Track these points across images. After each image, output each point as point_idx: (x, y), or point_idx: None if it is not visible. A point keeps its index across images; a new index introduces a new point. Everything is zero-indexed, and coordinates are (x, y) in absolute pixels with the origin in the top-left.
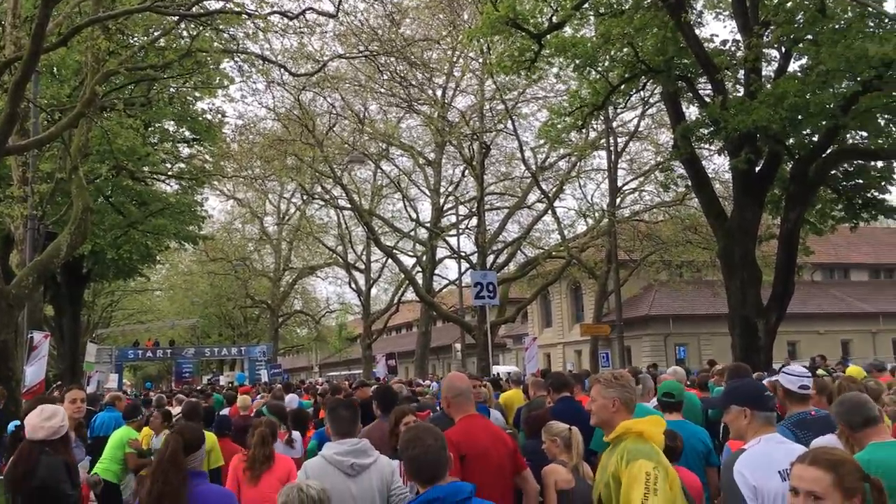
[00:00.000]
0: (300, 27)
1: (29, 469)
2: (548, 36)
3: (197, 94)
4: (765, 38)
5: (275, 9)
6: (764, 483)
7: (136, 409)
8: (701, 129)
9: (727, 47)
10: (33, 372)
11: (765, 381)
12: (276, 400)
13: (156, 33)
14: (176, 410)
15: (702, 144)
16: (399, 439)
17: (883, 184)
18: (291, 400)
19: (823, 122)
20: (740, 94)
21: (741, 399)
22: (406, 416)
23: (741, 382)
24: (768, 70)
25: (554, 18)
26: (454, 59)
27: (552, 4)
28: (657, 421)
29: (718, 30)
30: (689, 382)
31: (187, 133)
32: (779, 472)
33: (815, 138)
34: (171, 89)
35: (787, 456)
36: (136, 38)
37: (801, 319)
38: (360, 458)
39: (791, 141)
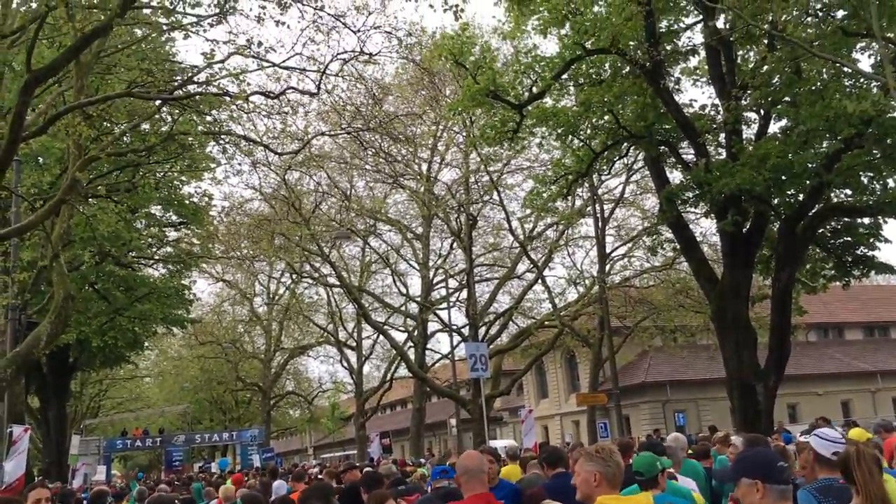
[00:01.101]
0: (282, 107)
1: None
2: (529, 106)
3: (183, 178)
4: (743, 101)
5: (256, 90)
6: None
7: (100, 498)
8: (686, 193)
9: (707, 111)
10: (13, 467)
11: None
12: (260, 487)
13: (138, 119)
14: None
15: (687, 208)
16: None
17: (871, 240)
18: (279, 487)
19: (808, 181)
20: (723, 157)
21: (752, 470)
22: (386, 502)
23: (753, 451)
24: (749, 132)
25: (534, 89)
26: (438, 134)
27: (531, 76)
28: (637, 499)
29: (697, 95)
30: (690, 451)
31: (174, 217)
32: None
33: (801, 197)
34: (158, 174)
35: None
36: (118, 125)
37: (799, 381)
38: None
39: (776, 201)
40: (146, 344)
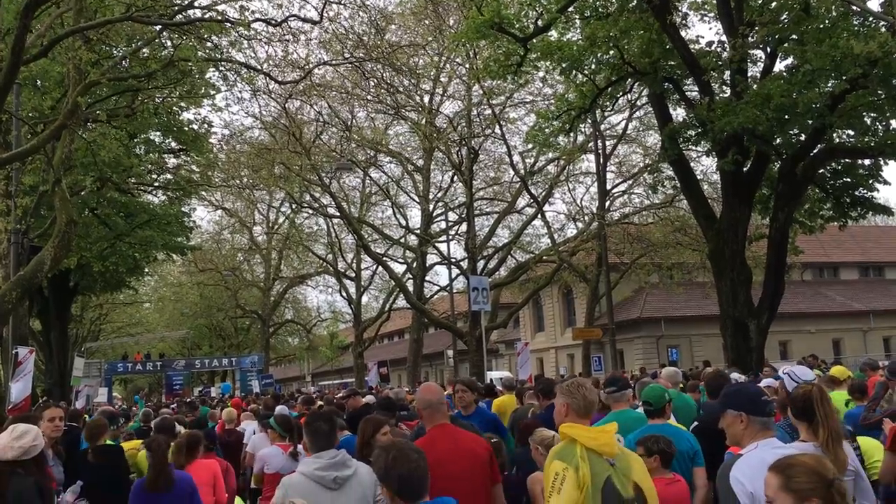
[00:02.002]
0: (284, 35)
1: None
2: (533, 39)
3: (182, 105)
4: (750, 38)
5: (257, 16)
6: (761, 489)
7: (113, 417)
8: (688, 131)
9: (713, 48)
10: (18, 388)
11: (765, 383)
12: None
13: (138, 43)
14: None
15: (689, 146)
16: (376, 454)
17: (871, 182)
18: (282, 411)
19: (810, 122)
20: (727, 95)
21: (737, 404)
22: (383, 428)
23: (738, 387)
24: (754, 70)
25: (539, 22)
26: (441, 65)
27: (537, 8)
28: (599, 429)
29: (704, 31)
30: (682, 385)
31: (173, 143)
32: None
33: (803, 138)
34: (157, 100)
35: None
36: (118, 49)
37: (792, 319)
38: (341, 470)
39: (778, 141)
40: (146, 270)
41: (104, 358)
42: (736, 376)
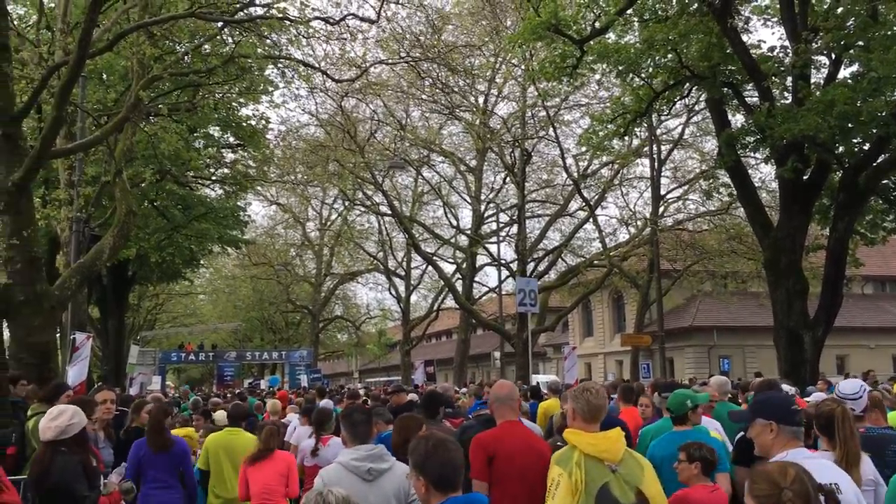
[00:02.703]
0: (342, 33)
1: (44, 470)
2: (590, 42)
3: (241, 101)
4: (814, 44)
5: (317, 15)
6: None
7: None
8: (747, 137)
9: (775, 53)
10: (75, 372)
11: (814, 397)
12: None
13: (200, 39)
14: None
15: (748, 152)
16: (415, 442)
17: None
18: (326, 405)
19: (874, 131)
20: (788, 102)
21: (767, 412)
22: (420, 430)
23: (768, 395)
24: (818, 77)
25: (597, 24)
26: (496, 66)
27: (595, 10)
28: (601, 434)
29: (766, 36)
30: (729, 395)
31: (231, 138)
32: None
33: (866, 147)
34: (217, 95)
35: (816, 471)
36: (181, 45)
37: (852, 333)
38: (377, 463)
39: (840, 149)
40: (201, 262)
41: (159, 347)
42: (787, 388)
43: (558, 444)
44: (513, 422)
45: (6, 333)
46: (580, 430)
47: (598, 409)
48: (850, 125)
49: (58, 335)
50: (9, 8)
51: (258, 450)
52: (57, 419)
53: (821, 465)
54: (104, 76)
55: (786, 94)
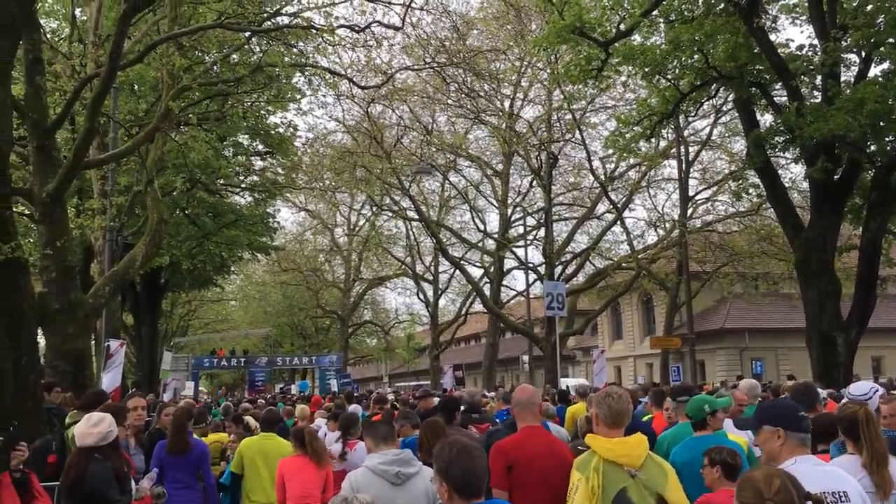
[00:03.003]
0: (367, 40)
1: (79, 475)
2: (615, 44)
3: (269, 109)
4: (843, 42)
5: (342, 23)
6: None
7: (201, 415)
8: (775, 137)
9: (803, 52)
10: (109, 379)
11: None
12: (336, 409)
13: (228, 49)
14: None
15: (777, 152)
16: (439, 448)
17: None
18: (354, 410)
19: None
20: (817, 101)
21: (774, 419)
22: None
23: (774, 402)
24: (848, 75)
25: (622, 26)
26: (522, 70)
27: (619, 12)
28: (621, 440)
29: (794, 34)
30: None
31: (260, 146)
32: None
33: None
34: (246, 104)
35: (825, 478)
36: (209, 55)
37: (887, 334)
38: (404, 467)
39: (872, 148)
40: (232, 268)
41: (191, 353)
42: (818, 391)
43: (579, 448)
44: (534, 427)
45: (42, 341)
46: (603, 435)
47: (621, 415)
48: (881, 123)
49: (92, 342)
50: (42, 21)
51: (305, 454)
52: (98, 426)
53: (829, 474)
54: (135, 87)
55: (815, 93)
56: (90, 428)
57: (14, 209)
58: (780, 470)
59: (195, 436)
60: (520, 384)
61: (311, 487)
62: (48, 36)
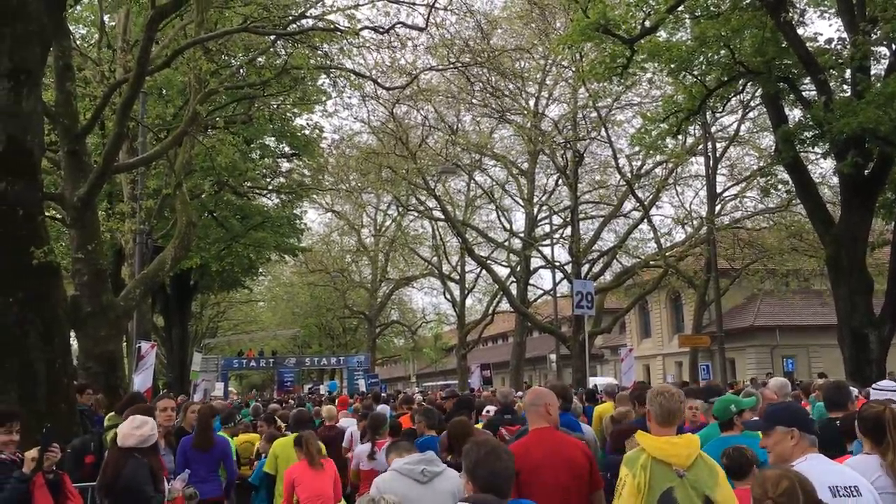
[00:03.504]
0: (391, 41)
1: (118, 473)
2: (640, 41)
3: (295, 111)
4: (873, 35)
5: (366, 24)
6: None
7: (230, 415)
8: (804, 132)
9: (832, 46)
10: (141, 380)
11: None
12: (364, 410)
13: (254, 53)
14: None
15: (806, 148)
16: (468, 447)
17: None
18: (383, 411)
19: None
20: (847, 95)
21: (787, 420)
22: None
23: (784, 404)
24: (878, 69)
25: (647, 23)
26: (546, 68)
27: (644, 9)
28: (670, 439)
29: (823, 28)
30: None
31: (287, 148)
32: (829, 487)
33: None
34: (272, 107)
35: (839, 474)
36: (235, 59)
37: None
38: (430, 465)
39: None
40: (260, 270)
41: (221, 354)
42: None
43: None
44: (542, 429)
45: (74, 344)
46: (654, 433)
47: (672, 413)
48: None
49: (124, 344)
50: (71, 28)
51: (314, 456)
52: (141, 428)
53: (841, 471)
54: (163, 92)
55: (844, 87)
56: (133, 430)
57: (46, 213)
58: (796, 474)
59: (223, 434)
60: (547, 382)
61: (322, 488)
62: (78, 42)
